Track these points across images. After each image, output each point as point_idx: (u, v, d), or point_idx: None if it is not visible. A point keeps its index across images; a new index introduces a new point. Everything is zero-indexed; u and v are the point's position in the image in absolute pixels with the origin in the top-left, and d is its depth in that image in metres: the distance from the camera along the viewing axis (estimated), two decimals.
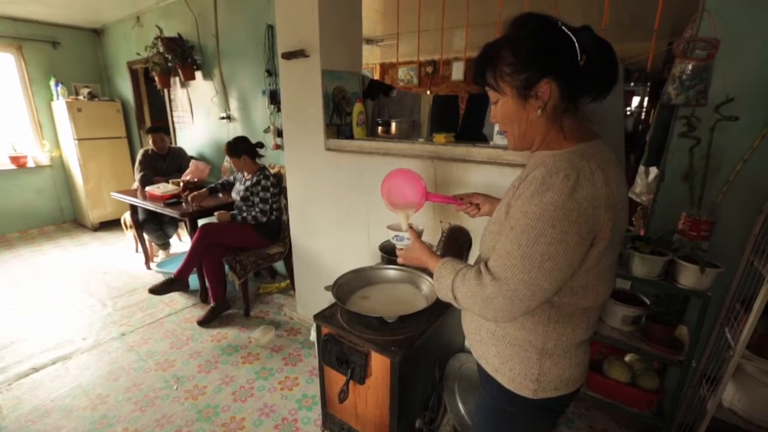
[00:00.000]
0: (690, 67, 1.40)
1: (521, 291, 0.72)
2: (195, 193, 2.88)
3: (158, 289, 2.52)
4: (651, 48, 1.64)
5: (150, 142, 3.56)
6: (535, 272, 0.71)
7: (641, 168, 2.12)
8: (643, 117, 4.28)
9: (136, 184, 3.59)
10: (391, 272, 1.61)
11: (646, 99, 4.23)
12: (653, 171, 2.01)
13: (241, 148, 2.66)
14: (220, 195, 3.10)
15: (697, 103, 1.42)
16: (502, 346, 0.88)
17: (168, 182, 3.32)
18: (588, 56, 0.72)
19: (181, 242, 4.17)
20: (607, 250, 0.75)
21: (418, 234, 1.06)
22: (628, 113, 4.26)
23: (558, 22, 0.74)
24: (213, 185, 3.00)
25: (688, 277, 1.34)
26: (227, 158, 3.40)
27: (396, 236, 1.05)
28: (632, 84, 4.21)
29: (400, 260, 1.05)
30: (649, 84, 4.16)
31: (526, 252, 0.71)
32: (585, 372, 0.90)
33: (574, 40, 0.71)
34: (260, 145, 2.79)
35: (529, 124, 0.79)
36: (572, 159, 0.72)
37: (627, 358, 1.70)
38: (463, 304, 0.82)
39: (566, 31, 0.72)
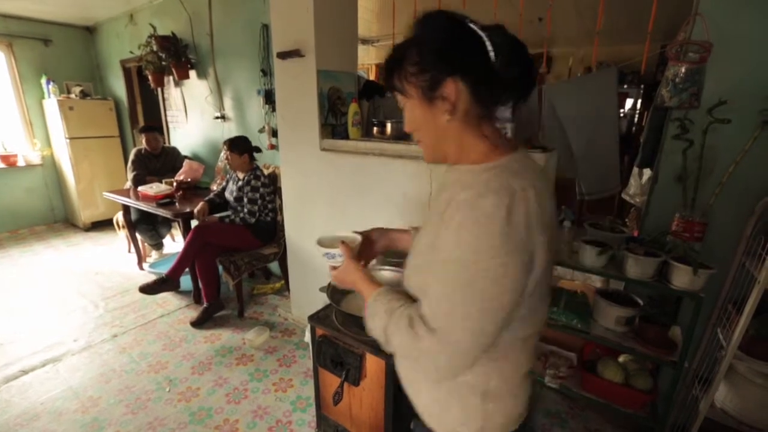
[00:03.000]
0: (683, 70, 1.41)
1: (463, 342, 0.63)
2: (198, 207, 2.76)
3: (149, 289, 2.49)
4: (645, 50, 1.66)
5: (143, 141, 3.53)
6: (476, 316, 0.61)
7: (635, 169, 2.13)
8: (636, 119, 4.32)
9: (128, 184, 3.55)
10: (387, 273, 1.60)
11: (640, 101, 4.27)
12: (647, 172, 2.02)
13: (245, 147, 2.66)
14: (217, 200, 2.96)
15: (690, 105, 1.44)
16: (440, 393, 0.77)
17: (161, 182, 3.29)
18: (502, 57, 0.65)
19: (175, 242, 4.13)
20: (545, 273, 0.67)
21: (353, 251, 0.89)
22: (622, 115, 4.30)
23: (466, 18, 0.67)
24: (210, 198, 2.86)
25: (681, 278, 1.35)
26: (222, 158, 3.37)
27: (327, 254, 0.91)
28: (625, 86, 4.25)
29: (333, 281, 0.92)
30: (642, 86, 4.20)
31: (467, 292, 0.61)
32: (529, 403, 0.81)
33: (485, 39, 0.65)
34: (257, 149, 2.79)
35: (440, 131, 0.70)
36: (501, 176, 0.63)
37: (620, 358, 1.71)
38: (399, 354, 0.72)
39: (475, 28, 0.66)
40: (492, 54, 0.65)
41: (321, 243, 0.94)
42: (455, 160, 0.73)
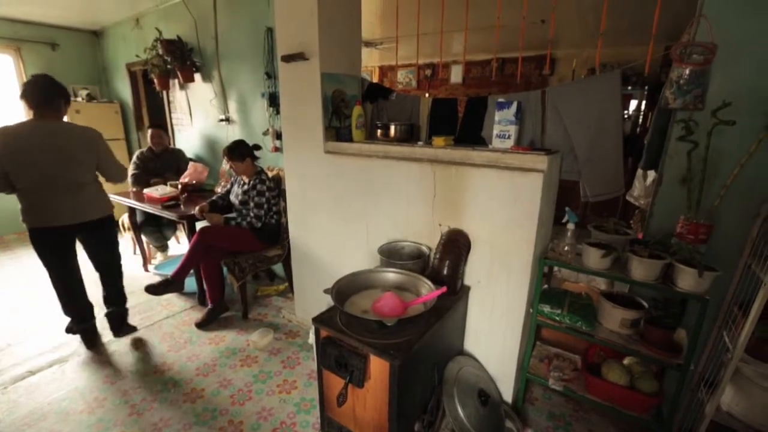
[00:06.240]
0: (687, 71, 1.41)
1: None
2: (200, 206, 2.76)
3: (154, 289, 2.51)
4: (649, 52, 1.65)
5: (148, 137, 3.56)
6: None
7: (639, 171, 2.13)
8: (640, 121, 4.30)
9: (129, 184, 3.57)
10: (391, 275, 1.61)
11: (644, 102, 4.26)
12: (651, 174, 2.02)
13: (244, 151, 2.64)
14: (220, 202, 2.94)
15: (695, 107, 1.43)
16: None
17: (166, 184, 3.32)
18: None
19: (180, 244, 4.16)
20: (17, 168, 1.96)
21: None
22: (626, 117, 4.28)
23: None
24: (213, 199, 2.86)
25: (687, 280, 1.34)
26: (226, 162, 3.38)
27: None
28: (629, 88, 4.24)
29: None
30: (646, 88, 4.18)
31: None
32: (35, 219, 2.08)
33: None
34: (257, 147, 2.78)
35: None
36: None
37: (625, 361, 1.71)
38: None
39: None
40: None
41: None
42: None
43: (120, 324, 2.55)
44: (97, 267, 2.44)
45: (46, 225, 2.08)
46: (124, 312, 2.59)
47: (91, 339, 2.43)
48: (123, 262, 2.58)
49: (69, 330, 2.41)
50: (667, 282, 1.41)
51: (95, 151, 2.18)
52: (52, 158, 2.02)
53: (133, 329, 2.60)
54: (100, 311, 2.51)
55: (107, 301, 2.53)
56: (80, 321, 2.39)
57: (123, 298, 2.59)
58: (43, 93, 2.02)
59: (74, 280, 2.32)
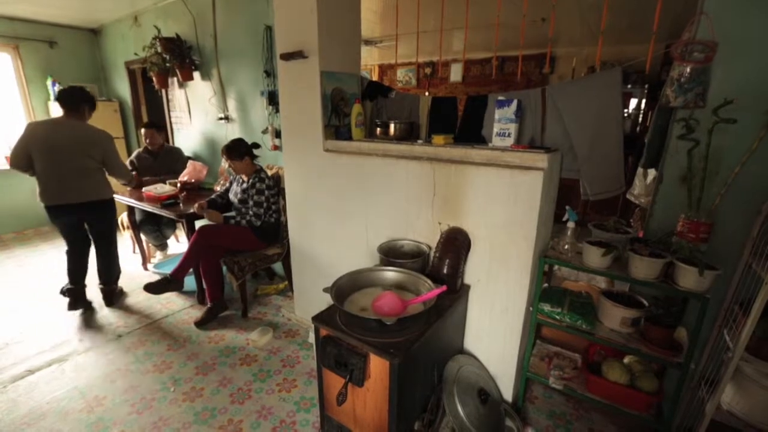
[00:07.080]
0: (688, 69, 1.40)
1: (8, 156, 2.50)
2: (199, 203, 2.76)
3: (154, 288, 2.50)
4: (649, 50, 1.65)
5: (142, 136, 3.56)
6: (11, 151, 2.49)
7: (639, 170, 2.12)
8: (640, 119, 4.30)
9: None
10: (390, 274, 1.60)
11: (644, 101, 4.25)
12: (651, 173, 2.01)
13: (243, 150, 2.63)
14: (219, 200, 2.94)
15: (696, 105, 1.43)
16: None
17: (164, 183, 3.31)
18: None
19: (179, 243, 4.15)
20: (36, 155, 2.48)
21: None
22: (626, 115, 4.28)
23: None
24: (212, 198, 2.85)
25: (687, 279, 1.34)
26: (225, 161, 3.37)
27: None
28: (629, 86, 4.23)
29: None
30: (646, 86, 4.18)
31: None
32: (49, 198, 2.49)
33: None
34: (256, 145, 2.77)
35: None
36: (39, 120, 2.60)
37: (626, 359, 1.71)
38: None
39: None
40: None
41: None
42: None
43: (110, 297, 2.95)
44: (98, 246, 2.86)
45: (58, 203, 2.53)
46: (114, 288, 3.01)
47: (78, 298, 2.79)
48: (122, 262, 2.61)
49: (62, 292, 2.83)
50: (668, 280, 1.41)
51: (102, 149, 2.64)
52: (68, 150, 2.50)
53: (122, 294, 3.10)
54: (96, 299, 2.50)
55: (102, 278, 2.94)
56: (74, 282, 2.80)
57: (116, 276, 3.01)
58: (71, 99, 2.57)
59: (84, 252, 2.82)
